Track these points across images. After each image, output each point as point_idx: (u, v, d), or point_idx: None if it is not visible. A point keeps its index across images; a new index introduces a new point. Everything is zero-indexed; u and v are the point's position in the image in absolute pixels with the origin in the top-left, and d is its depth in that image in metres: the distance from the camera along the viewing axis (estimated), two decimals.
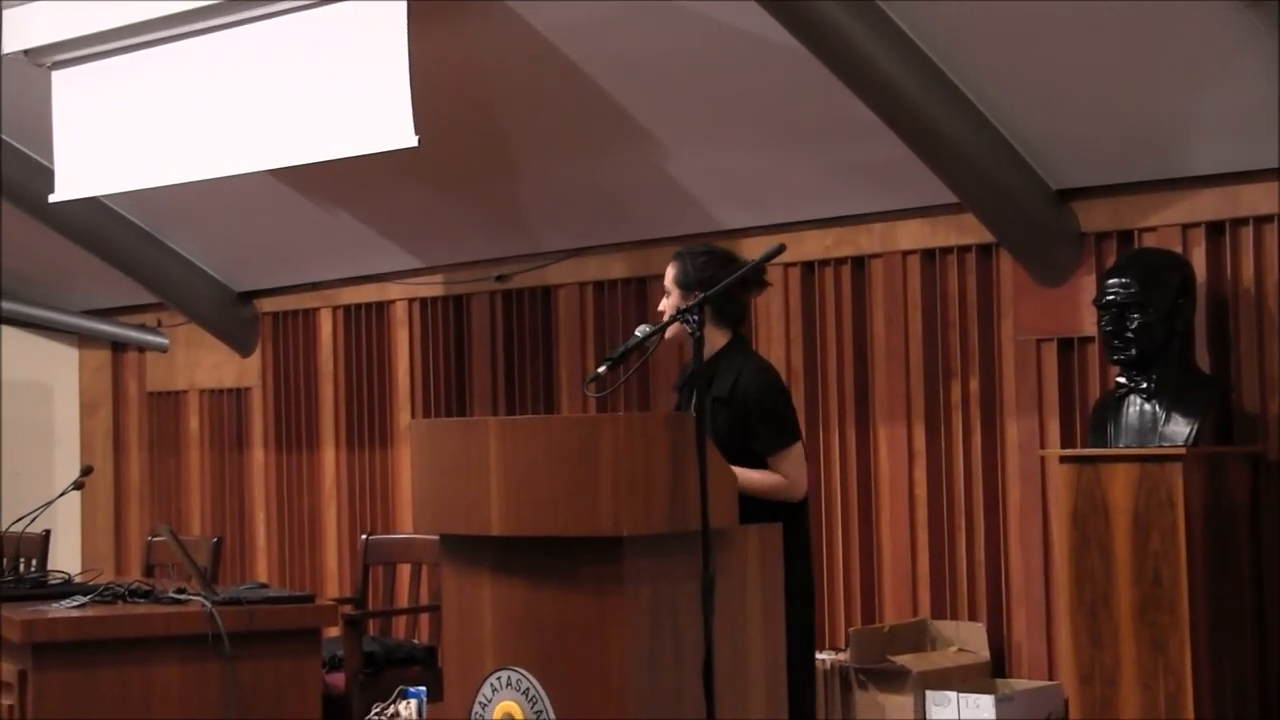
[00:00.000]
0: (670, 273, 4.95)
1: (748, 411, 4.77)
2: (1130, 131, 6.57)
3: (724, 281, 4.70)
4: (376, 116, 7.26)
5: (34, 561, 6.80)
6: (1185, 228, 6.70)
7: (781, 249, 4.57)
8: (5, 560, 6.16)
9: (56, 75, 8.56)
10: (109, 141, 8.45)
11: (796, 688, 4.65)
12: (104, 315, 11.22)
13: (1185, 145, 6.50)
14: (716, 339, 4.90)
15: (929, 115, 6.56)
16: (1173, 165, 6.63)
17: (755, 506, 4.65)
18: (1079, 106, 6.52)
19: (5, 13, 8.21)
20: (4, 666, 5.17)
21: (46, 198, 8.78)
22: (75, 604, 5.27)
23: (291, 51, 7.62)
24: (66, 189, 8.68)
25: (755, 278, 4.98)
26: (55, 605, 5.28)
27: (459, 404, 9.24)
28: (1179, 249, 6.67)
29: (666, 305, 4.94)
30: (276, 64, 7.73)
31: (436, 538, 5.14)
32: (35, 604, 5.32)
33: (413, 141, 7.10)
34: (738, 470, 4.68)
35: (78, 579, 5.86)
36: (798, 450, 4.84)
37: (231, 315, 10.38)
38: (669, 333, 4.76)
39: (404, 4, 7.02)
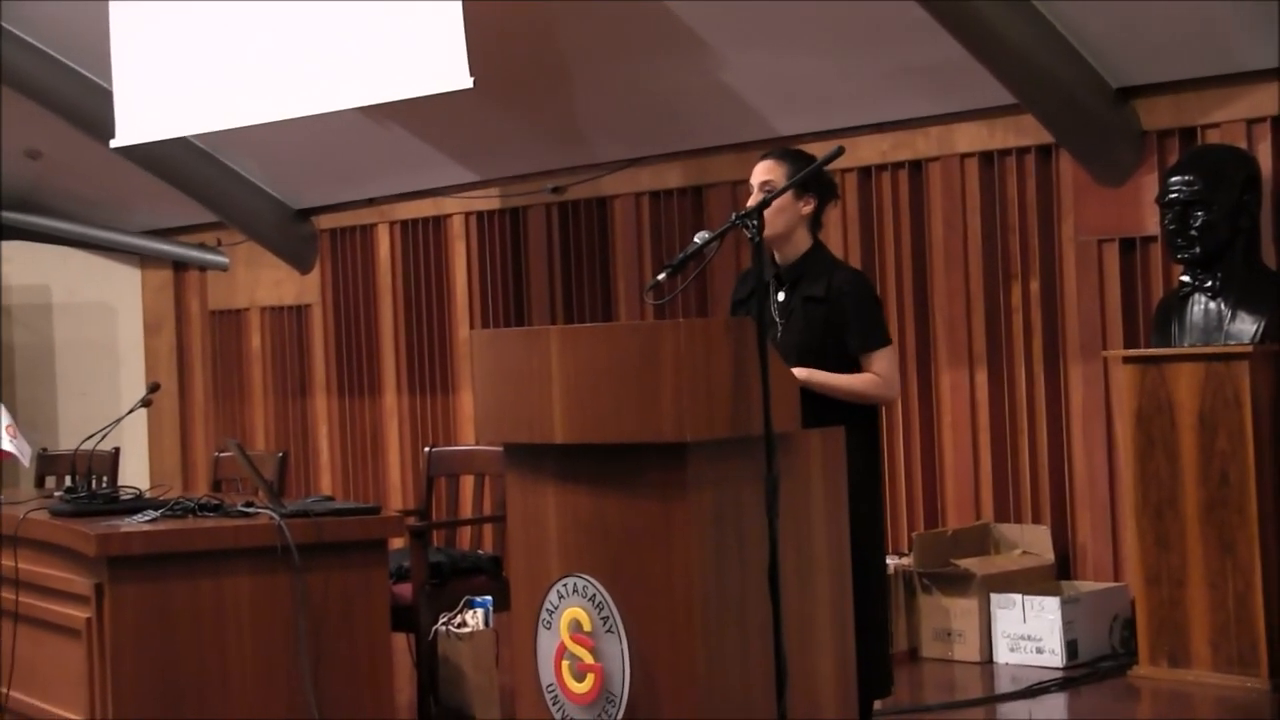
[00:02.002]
0: (780, 170, 4.83)
1: (844, 309, 4.75)
2: (1191, 26, 6.48)
3: (798, 176, 4.67)
4: (430, 58, 7.28)
5: (104, 478, 6.88)
6: (1249, 123, 6.63)
7: (841, 151, 4.52)
8: (77, 477, 6.23)
9: (114, 6, 8.59)
10: (165, 83, 8.50)
11: (868, 588, 4.66)
12: (164, 235, 11.29)
13: (1248, 39, 6.40)
14: (803, 242, 4.86)
15: (985, 14, 6.49)
16: (1235, 59, 6.54)
17: (830, 410, 4.64)
18: (1138, 1, 6.43)
19: None
20: (80, 580, 5.24)
21: (106, 122, 8.85)
22: (147, 518, 5.33)
23: None
24: (127, 134, 8.75)
25: (831, 188, 4.95)
26: (128, 520, 5.33)
27: (517, 316, 9.26)
28: (1243, 145, 6.59)
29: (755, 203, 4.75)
30: (331, 7, 7.75)
31: (499, 448, 5.16)
32: (108, 519, 5.38)
33: (467, 83, 7.13)
34: (830, 375, 4.68)
35: (148, 495, 5.92)
36: (891, 351, 4.81)
37: (290, 233, 10.43)
38: (769, 230, 4.62)
39: None
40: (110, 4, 8.59)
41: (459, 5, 7.20)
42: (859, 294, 4.80)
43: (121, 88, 8.68)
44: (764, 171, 4.85)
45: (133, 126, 8.72)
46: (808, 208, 4.84)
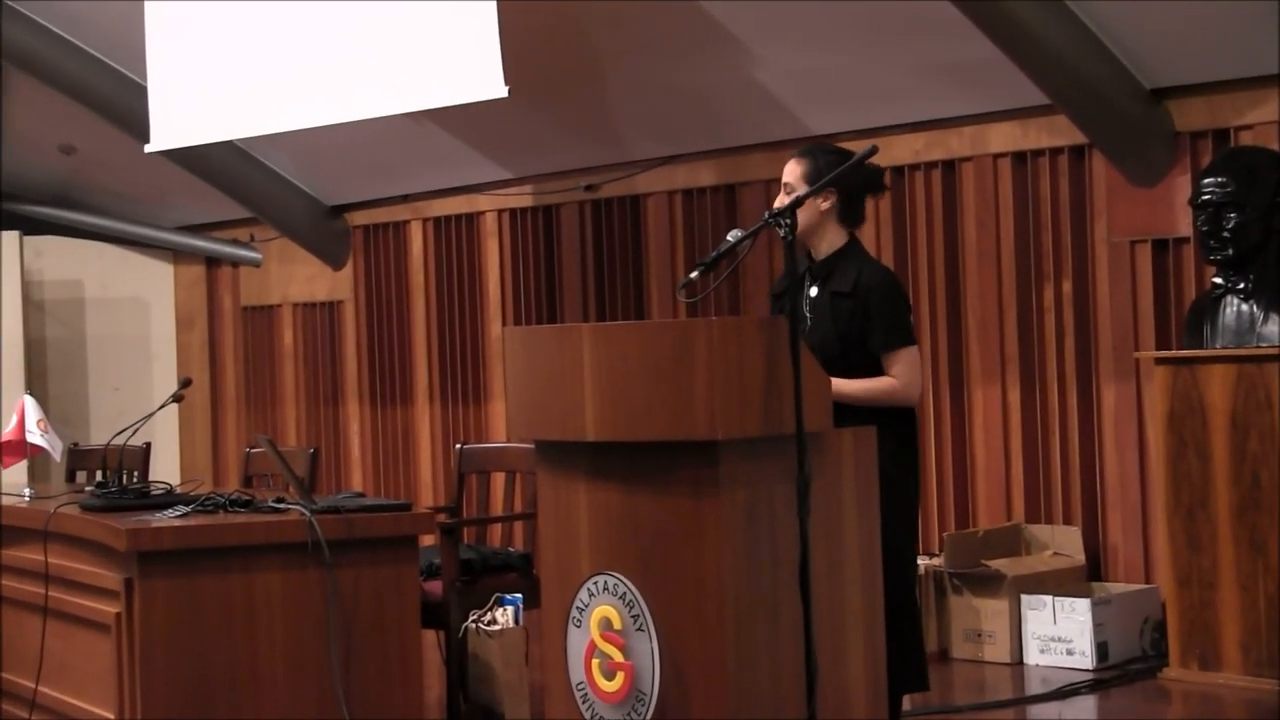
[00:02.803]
0: (798, 169, 4.82)
1: (868, 305, 4.72)
2: (1224, 27, 6.46)
3: (831, 174, 4.64)
4: (466, 67, 7.31)
5: (136, 473, 6.90)
6: None
7: (875, 150, 4.50)
8: (109, 472, 6.25)
9: (149, 6, 8.62)
10: (200, 87, 8.54)
11: (900, 583, 4.64)
12: (198, 231, 11.32)
13: None
14: (836, 238, 4.84)
15: (1019, 14, 6.48)
16: (1269, 61, 6.51)
17: (864, 408, 4.62)
18: (1172, 1, 6.41)
19: None
20: (110, 575, 5.26)
21: (141, 118, 8.90)
22: (178, 513, 5.34)
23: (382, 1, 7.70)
24: (161, 138, 8.80)
25: (876, 180, 4.93)
26: (159, 515, 5.35)
27: (550, 314, 9.27)
28: (1276, 146, 6.56)
29: (784, 203, 4.75)
30: (367, 13, 7.77)
31: (530, 445, 5.16)
32: (139, 514, 5.40)
33: (502, 92, 7.17)
34: (844, 381, 4.64)
35: (179, 490, 5.93)
36: (912, 353, 4.75)
37: (323, 229, 10.45)
38: (800, 227, 4.62)
39: None
40: (145, 4, 8.62)
41: (494, 15, 7.22)
42: (884, 291, 4.77)
43: (156, 91, 8.72)
44: (787, 172, 4.86)
45: (167, 130, 8.78)
46: (826, 203, 4.81)
